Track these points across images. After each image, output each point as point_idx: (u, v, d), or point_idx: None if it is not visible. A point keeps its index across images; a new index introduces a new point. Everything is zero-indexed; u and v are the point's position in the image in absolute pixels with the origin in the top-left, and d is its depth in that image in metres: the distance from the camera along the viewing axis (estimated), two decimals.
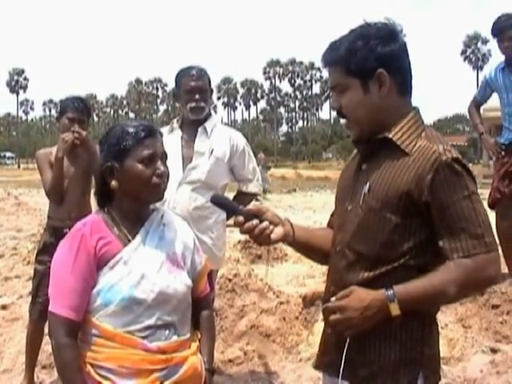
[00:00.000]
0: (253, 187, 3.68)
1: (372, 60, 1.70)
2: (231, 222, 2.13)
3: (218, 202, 1.91)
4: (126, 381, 1.83)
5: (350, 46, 1.72)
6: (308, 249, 1.97)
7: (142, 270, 1.90)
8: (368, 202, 1.73)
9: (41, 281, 3.87)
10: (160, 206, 2.10)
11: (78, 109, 3.89)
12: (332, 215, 2.04)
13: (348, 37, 1.76)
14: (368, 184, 1.74)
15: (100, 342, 1.87)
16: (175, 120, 3.70)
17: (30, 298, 4.77)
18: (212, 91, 3.70)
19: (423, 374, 1.72)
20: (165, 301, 1.91)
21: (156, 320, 1.89)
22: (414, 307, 1.67)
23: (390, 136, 1.73)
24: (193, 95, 3.46)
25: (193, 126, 3.53)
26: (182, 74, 3.55)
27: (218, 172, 3.49)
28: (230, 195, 3.76)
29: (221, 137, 3.54)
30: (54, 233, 3.89)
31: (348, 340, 1.69)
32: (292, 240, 1.87)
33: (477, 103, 5.35)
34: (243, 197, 3.63)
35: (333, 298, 1.69)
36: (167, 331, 1.91)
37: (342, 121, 1.84)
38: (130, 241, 1.94)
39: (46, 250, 3.89)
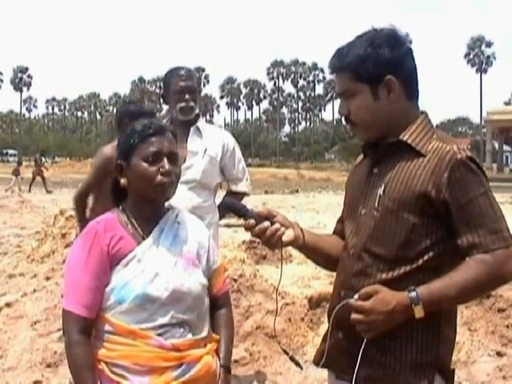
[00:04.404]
0: (242, 186, 3.69)
1: (381, 66, 1.72)
2: (233, 222, 2.12)
3: (229, 204, 1.91)
4: (140, 378, 1.83)
5: (360, 52, 1.73)
6: (316, 253, 1.96)
7: (156, 268, 1.89)
8: (384, 203, 1.73)
9: None
10: (175, 206, 2.08)
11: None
12: (338, 221, 2.04)
13: (356, 43, 1.77)
14: (383, 186, 1.74)
15: (114, 340, 1.86)
16: (163, 121, 3.68)
17: (34, 296, 4.75)
18: (200, 92, 3.69)
19: (439, 377, 1.71)
20: (179, 299, 1.89)
21: (170, 318, 1.87)
22: (438, 307, 1.67)
23: (405, 139, 1.74)
24: (183, 95, 3.45)
25: (183, 126, 3.50)
26: (171, 75, 3.53)
27: (212, 171, 3.51)
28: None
29: (212, 136, 3.55)
30: None
31: (365, 342, 1.67)
32: (302, 244, 1.86)
33: None
34: (233, 196, 3.59)
35: (356, 296, 1.67)
36: (182, 329, 1.90)
37: (348, 126, 1.84)
38: (144, 239, 1.93)
39: None
